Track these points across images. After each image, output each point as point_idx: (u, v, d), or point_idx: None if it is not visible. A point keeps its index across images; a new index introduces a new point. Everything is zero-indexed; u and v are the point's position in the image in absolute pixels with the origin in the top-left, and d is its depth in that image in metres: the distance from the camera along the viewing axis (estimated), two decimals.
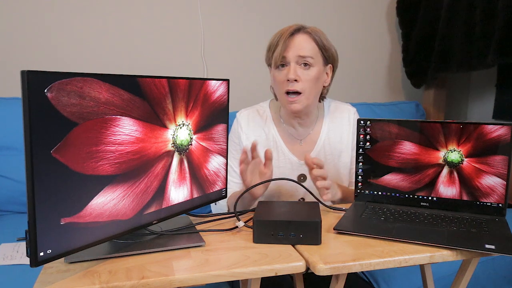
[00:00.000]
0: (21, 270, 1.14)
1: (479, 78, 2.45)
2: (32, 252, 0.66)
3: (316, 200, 1.06)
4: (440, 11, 2.05)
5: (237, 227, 0.96)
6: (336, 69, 1.27)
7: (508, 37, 1.71)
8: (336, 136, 1.29)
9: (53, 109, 0.66)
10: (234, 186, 1.29)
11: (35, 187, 0.65)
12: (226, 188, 1.09)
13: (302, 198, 1.27)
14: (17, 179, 1.57)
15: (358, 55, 2.31)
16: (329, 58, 1.23)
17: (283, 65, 1.18)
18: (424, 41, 2.15)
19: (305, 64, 1.16)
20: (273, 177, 1.10)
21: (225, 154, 1.06)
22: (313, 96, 1.20)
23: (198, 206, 1.00)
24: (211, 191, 1.03)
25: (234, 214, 1.01)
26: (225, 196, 1.09)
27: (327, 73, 1.24)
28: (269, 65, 1.24)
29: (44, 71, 0.64)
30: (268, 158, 1.08)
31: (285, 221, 0.87)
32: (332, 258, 0.81)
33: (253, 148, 1.08)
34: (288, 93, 1.17)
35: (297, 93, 1.16)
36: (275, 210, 0.95)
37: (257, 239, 0.89)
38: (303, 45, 1.16)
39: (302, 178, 1.26)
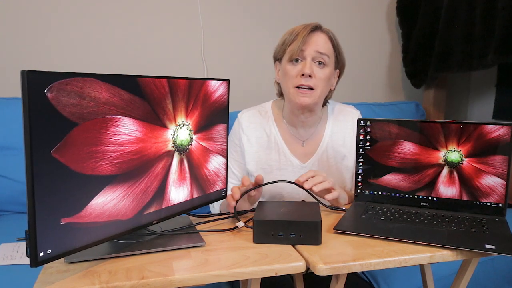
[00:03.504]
0: (21, 270, 1.14)
1: (479, 78, 2.45)
2: (32, 252, 0.66)
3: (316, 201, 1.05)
4: (440, 11, 2.05)
5: (237, 227, 0.96)
6: (341, 75, 1.28)
7: (508, 37, 1.71)
8: (339, 139, 1.28)
9: (53, 109, 0.66)
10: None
11: (35, 187, 0.65)
12: (226, 188, 1.09)
13: (302, 201, 1.27)
14: (17, 179, 1.57)
15: (358, 55, 2.31)
16: (339, 62, 1.24)
17: (297, 60, 1.17)
18: (424, 41, 2.15)
19: (320, 63, 1.17)
20: (271, 183, 1.09)
21: (225, 154, 1.06)
22: (322, 95, 1.20)
23: (198, 206, 1.00)
24: (211, 191, 1.03)
25: (234, 214, 1.01)
26: (225, 196, 1.09)
27: (334, 77, 1.25)
28: (278, 59, 1.24)
29: (44, 71, 0.64)
30: (258, 183, 1.06)
31: (285, 221, 0.87)
32: (332, 258, 0.81)
33: (258, 182, 1.06)
34: (299, 87, 1.17)
35: (310, 88, 1.16)
36: (275, 210, 0.95)
37: (257, 239, 0.89)
38: (322, 43, 1.17)
39: None
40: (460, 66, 1.98)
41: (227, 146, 1.07)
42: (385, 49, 2.37)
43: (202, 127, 0.98)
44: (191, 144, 0.95)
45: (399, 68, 2.41)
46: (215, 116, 1.01)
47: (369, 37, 2.32)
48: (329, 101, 1.32)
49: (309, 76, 1.15)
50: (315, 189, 1.03)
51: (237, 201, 1.01)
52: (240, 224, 0.96)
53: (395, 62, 2.39)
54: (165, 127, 0.86)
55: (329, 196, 1.06)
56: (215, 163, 1.03)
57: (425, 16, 2.13)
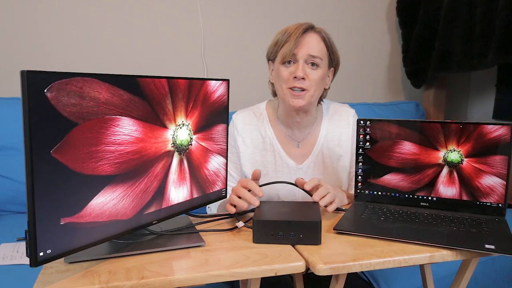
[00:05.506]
0: (21, 270, 1.14)
1: (479, 78, 2.45)
2: (32, 252, 0.66)
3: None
4: (440, 11, 2.05)
5: (237, 227, 0.96)
6: (336, 73, 1.27)
7: (508, 37, 1.71)
8: (335, 139, 1.27)
9: (53, 109, 0.66)
10: (231, 189, 1.28)
11: (35, 187, 0.65)
12: (226, 188, 1.09)
13: None
14: (17, 179, 1.57)
15: (358, 55, 2.31)
16: (333, 61, 1.23)
17: (289, 62, 1.16)
18: (424, 41, 2.15)
19: (313, 64, 1.16)
20: (273, 183, 1.09)
21: (225, 154, 1.06)
22: (316, 96, 1.19)
23: (198, 206, 1.00)
24: (211, 191, 1.03)
25: (234, 214, 1.01)
26: (225, 196, 1.09)
27: (328, 76, 1.24)
28: (272, 59, 1.23)
29: (44, 71, 0.64)
30: (256, 178, 1.06)
31: (285, 221, 0.87)
32: (332, 258, 0.81)
33: (256, 176, 1.06)
34: (292, 88, 1.16)
35: (303, 89, 1.16)
36: (275, 210, 0.95)
37: (257, 239, 0.89)
38: (314, 45, 1.15)
39: None
40: (460, 66, 1.98)
41: (227, 146, 1.07)
42: (385, 49, 2.37)
43: (202, 127, 0.98)
44: (191, 144, 0.95)
45: (399, 68, 2.41)
46: (215, 116, 1.01)
47: (369, 37, 2.32)
48: (323, 100, 1.31)
49: (302, 78, 1.14)
50: (322, 203, 1.01)
51: (240, 213, 1.01)
52: (240, 224, 0.96)
53: (395, 62, 2.39)
54: (165, 127, 0.87)
55: (330, 209, 1.03)
56: (215, 163, 1.03)
57: (425, 16, 2.13)
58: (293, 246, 0.88)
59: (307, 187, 1.02)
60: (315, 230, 0.87)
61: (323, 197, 1.00)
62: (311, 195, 1.08)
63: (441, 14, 2.04)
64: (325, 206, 1.02)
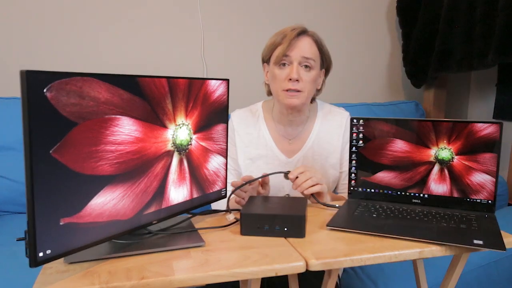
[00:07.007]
0: (20, 270, 1.14)
1: (479, 78, 2.45)
2: (31, 253, 0.66)
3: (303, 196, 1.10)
4: (440, 11, 2.05)
5: (229, 220, 0.99)
6: (328, 74, 1.32)
7: (508, 36, 1.71)
8: (326, 137, 1.32)
9: (53, 109, 0.66)
10: (230, 186, 1.31)
11: (34, 187, 0.65)
12: (226, 188, 1.09)
13: (287, 195, 1.31)
14: (17, 179, 1.57)
15: (358, 54, 2.31)
16: (325, 62, 1.28)
17: (284, 64, 1.21)
18: (424, 41, 2.15)
19: (306, 66, 1.20)
20: (262, 177, 1.15)
21: (225, 154, 1.07)
22: (309, 96, 1.24)
23: (198, 206, 1.00)
24: (211, 191, 1.04)
25: (226, 209, 1.04)
26: (225, 196, 1.10)
27: (320, 77, 1.29)
28: (266, 61, 1.28)
29: (43, 71, 0.64)
30: (265, 182, 1.17)
31: (271, 215, 0.91)
32: (324, 253, 0.82)
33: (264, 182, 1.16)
34: (287, 90, 1.21)
35: (297, 90, 1.20)
36: (263, 205, 0.98)
37: (244, 232, 0.92)
38: (307, 47, 1.20)
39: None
40: (460, 66, 1.98)
41: (227, 146, 1.07)
42: (385, 49, 2.37)
43: (202, 127, 0.98)
44: (191, 144, 0.95)
45: (399, 68, 2.41)
46: (215, 116, 1.01)
47: (369, 37, 2.32)
48: (318, 101, 1.36)
49: (296, 80, 1.19)
50: (306, 192, 1.09)
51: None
52: (231, 217, 0.99)
53: (395, 62, 2.39)
54: (164, 127, 0.87)
55: (306, 191, 1.09)
56: (214, 163, 1.03)
57: (425, 16, 2.13)
58: (292, 246, 0.88)
59: (291, 176, 1.10)
60: (299, 223, 0.90)
61: (305, 181, 1.08)
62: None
63: (441, 14, 2.04)
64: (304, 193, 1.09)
